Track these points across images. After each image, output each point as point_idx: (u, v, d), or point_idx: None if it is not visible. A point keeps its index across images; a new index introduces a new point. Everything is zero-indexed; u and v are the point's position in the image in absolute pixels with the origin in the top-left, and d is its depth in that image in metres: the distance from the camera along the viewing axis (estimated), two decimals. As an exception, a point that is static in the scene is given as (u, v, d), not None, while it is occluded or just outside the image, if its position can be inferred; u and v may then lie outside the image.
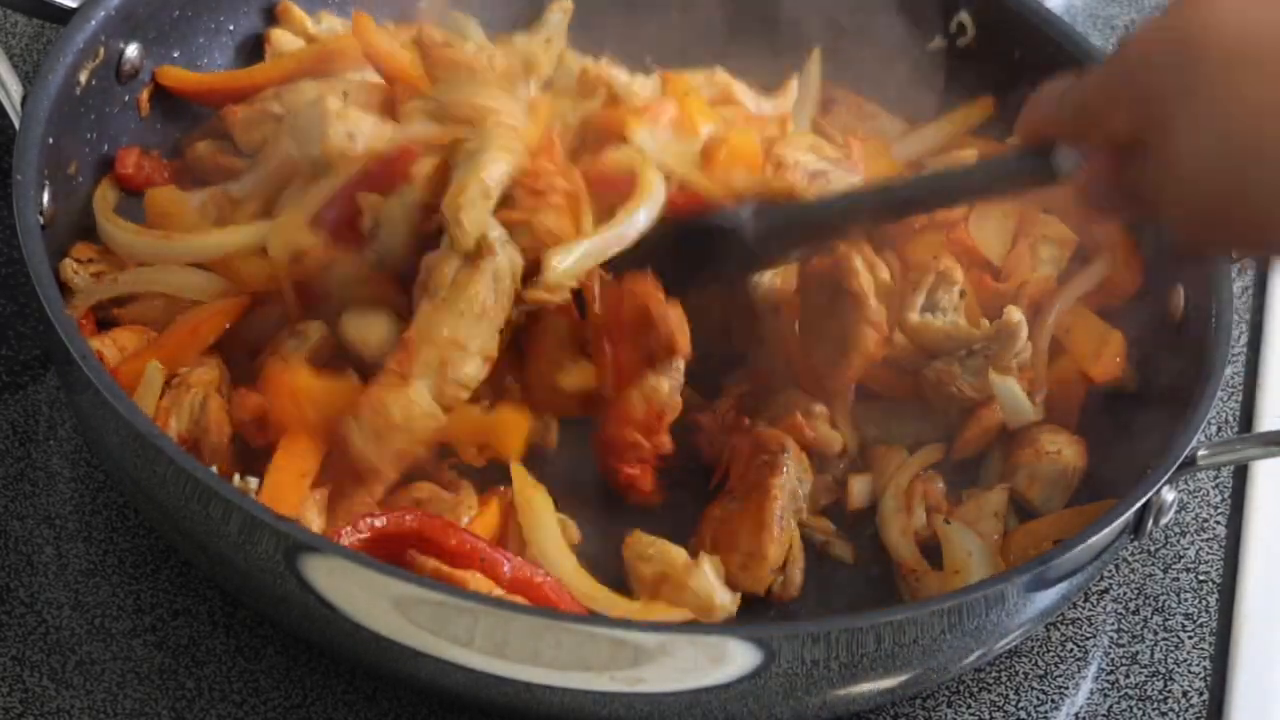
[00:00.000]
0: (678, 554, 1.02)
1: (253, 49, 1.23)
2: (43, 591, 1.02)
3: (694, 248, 1.06)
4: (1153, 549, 1.11)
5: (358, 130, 1.10)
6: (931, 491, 1.07)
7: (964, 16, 1.22)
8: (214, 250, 1.09)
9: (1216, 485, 1.15)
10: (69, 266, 1.08)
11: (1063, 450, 1.08)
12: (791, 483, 1.04)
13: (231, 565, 0.99)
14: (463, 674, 0.97)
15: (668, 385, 1.03)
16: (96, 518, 1.05)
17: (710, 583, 1.01)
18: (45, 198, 1.05)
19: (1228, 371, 1.09)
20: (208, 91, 1.15)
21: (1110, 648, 1.08)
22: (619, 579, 1.03)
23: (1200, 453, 1.02)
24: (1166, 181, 0.83)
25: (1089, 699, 1.06)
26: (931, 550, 1.05)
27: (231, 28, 1.21)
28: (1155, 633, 1.08)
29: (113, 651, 1.01)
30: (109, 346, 1.06)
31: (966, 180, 1.06)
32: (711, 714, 0.99)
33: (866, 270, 1.06)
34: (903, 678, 1.01)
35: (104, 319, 1.08)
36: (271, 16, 1.23)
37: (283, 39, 1.19)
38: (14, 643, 1.01)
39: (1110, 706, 1.05)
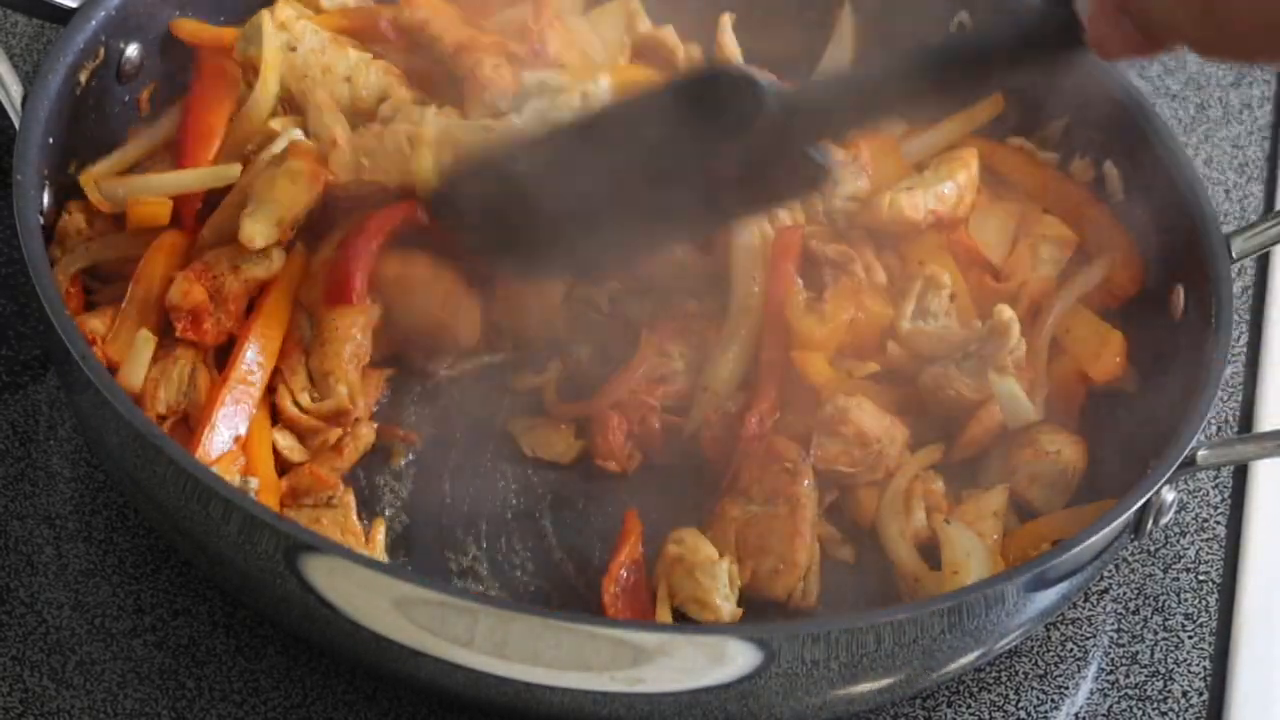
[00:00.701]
0: (706, 547, 1.02)
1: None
2: (43, 591, 1.02)
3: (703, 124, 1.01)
4: (1153, 549, 1.11)
5: (299, 42, 1.12)
6: (931, 492, 1.07)
7: (964, 16, 1.22)
8: (192, 183, 1.11)
9: (1216, 485, 1.14)
10: (69, 221, 1.08)
11: (1063, 450, 1.08)
12: (813, 491, 1.05)
13: (231, 565, 0.99)
14: (462, 674, 0.96)
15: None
16: (96, 518, 1.05)
17: (719, 585, 1.01)
18: (45, 198, 1.05)
19: (1228, 371, 1.09)
20: (228, 47, 1.15)
21: (1110, 648, 1.08)
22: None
23: (1200, 453, 1.02)
24: None
25: (1089, 699, 1.06)
26: (931, 551, 1.05)
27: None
28: (1155, 633, 1.08)
29: (113, 651, 1.01)
30: (95, 321, 1.06)
31: (992, 47, 1.01)
32: (711, 714, 0.99)
33: (809, 480, 1.05)
34: (902, 677, 1.01)
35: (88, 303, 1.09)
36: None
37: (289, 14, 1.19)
38: (14, 643, 1.01)
39: (1110, 706, 1.05)
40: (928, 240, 1.14)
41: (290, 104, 1.14)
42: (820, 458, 1.06)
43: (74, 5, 1.09)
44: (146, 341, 1.04)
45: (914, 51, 1.04)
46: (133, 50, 1.11)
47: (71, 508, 1.06)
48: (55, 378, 1.10)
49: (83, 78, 1.08)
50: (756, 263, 1.12)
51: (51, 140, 1.06)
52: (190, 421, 1.05)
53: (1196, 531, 1.12)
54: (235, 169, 1.11)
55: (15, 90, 1.05)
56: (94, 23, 1.09)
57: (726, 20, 1.22)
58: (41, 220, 1.04)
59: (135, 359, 1.05)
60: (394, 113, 1.14)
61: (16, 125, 1.04)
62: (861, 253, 1.12)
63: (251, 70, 1.12)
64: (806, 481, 1.05)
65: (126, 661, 1.01)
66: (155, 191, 1.09)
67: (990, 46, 1.00)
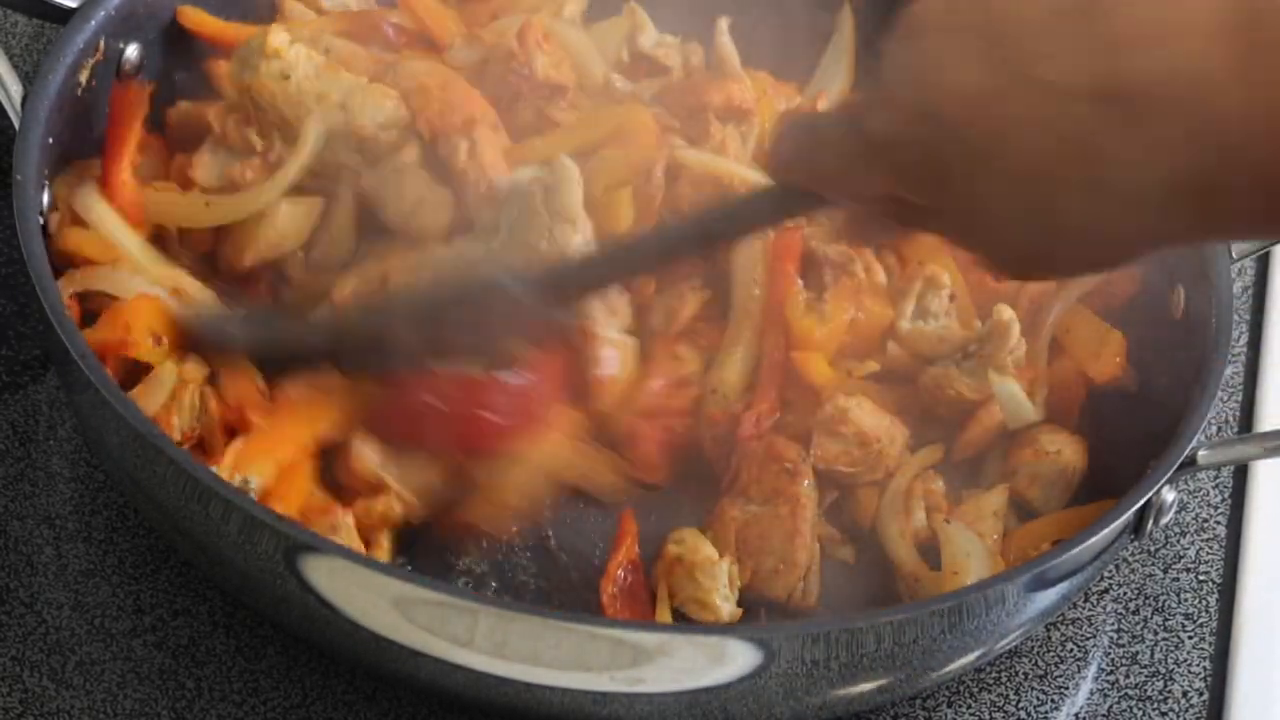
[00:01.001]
0: (706, 547, 1.02)
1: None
2: (43, 592, 1.03)
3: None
4: (1153, 549, 1.11)
5: (293, 70, 1.11)
6: (931, 492, 1.07)
7: None
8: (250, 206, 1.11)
9: (1216, 485, 1.14)
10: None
11: (1062, 450, 1.08)
12: (813, 491, 1.05)
13: (231, 565, 0.99)
14: (462, 674, 0.96)
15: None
16: (96, 518, 1.05)
17: (719, 585, 1.01)
18: (45, 198, 1.05)
19: (1228, 371, 1.08)
20: (232, 40, 1.15)
21: (1110, 648, 1.08)
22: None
23: (1200, 453, 1.02)
24: (957, 230, 0.80)
25: (1089, 699, 1.06)
26: (931, 551, 1.05)
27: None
28: (1155, 633, 1.08)
29: (113, 652, 1.01)
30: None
31: (735, 216, 1.01)
32: (711, 714, 0.99)
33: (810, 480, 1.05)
34: (902, 677, 1.01)
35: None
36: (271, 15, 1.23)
37: (294, 8, 1.19)
38: (14, 643, 1.01)
39: (1110, 707, 1.05)
40: (927, 241, 1.13)
41: (286, 132, 1.13)
42: (820, 457, 1.06)
43: (74, 5, 1.09)
44: (169, 373, 1.03)
45: (676, 226, 1.06)
46: (133, 50, 1.11)
47: (71, 508, 1.06)
48: (55, 378, 1.10)
49: (83, 78, 1.08)
50: (757, 264, 1.11)
51: (51, 140, 1.05)
52: (205, 446, 1.04)
53: (1196, 531, 1.12)
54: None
55: (15, 90, 1.05)
56: (94, 23, 1.08)
57: (723, 24, 1.21)
58: (42, 220, 1.04)
59: (157, 388, 1.04)
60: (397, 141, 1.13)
61: (16, 125, 1.04)
62: (861, 253, 1.12)
63: (245, 94, 1.12)
64: (806, 481, 1.05)
65: (126, 661, 1.01)
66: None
67: (731, 226, 1.00)
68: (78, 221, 1.07)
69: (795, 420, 1.09)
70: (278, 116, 1.12)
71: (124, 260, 1.07)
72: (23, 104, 1.05)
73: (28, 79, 1.05)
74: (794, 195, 0.92)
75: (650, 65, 1.20)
